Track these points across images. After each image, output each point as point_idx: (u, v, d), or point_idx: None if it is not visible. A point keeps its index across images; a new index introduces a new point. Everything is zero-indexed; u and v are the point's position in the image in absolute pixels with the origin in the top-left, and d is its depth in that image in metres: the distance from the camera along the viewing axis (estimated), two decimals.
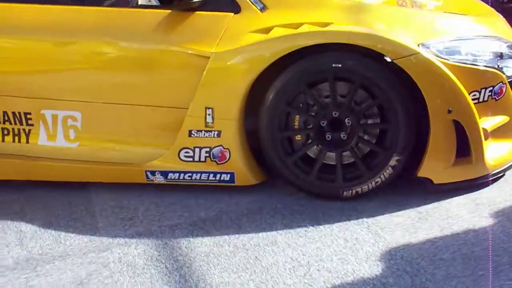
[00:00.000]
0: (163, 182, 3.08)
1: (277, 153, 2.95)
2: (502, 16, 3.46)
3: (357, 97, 2.87)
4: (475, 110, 2.81)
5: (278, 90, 2.87)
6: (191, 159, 3.00)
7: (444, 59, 2.81)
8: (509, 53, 3.01)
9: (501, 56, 2.97)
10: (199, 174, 3.03)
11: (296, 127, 2.95)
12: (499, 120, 2.97)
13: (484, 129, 2.87)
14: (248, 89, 2.87)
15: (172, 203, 3.04)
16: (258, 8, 2.95)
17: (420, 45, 2.80)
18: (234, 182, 3.03)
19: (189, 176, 3.04)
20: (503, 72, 2.92)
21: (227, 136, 2.95)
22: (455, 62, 2.83)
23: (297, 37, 2.81)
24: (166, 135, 3.04)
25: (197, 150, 2.99)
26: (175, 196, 3.09)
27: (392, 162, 2.87)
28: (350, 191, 2.92)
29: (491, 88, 2.89)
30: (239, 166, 2.99)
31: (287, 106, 2.90)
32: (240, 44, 2.87)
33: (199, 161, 3.00)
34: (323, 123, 2.91)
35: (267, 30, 2.87)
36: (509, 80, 2.96)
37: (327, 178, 2.97)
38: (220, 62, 2.88)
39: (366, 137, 2.93)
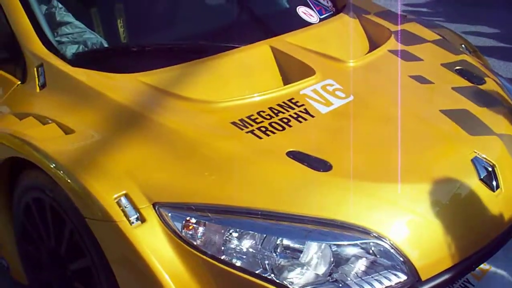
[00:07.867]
0: None
1: (24, 266, 2.36)
2: None
3: None
4: None
5: (18, 192, 2.23)
6: None
7: (190, 244, 1.75)
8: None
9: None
10: None
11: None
12: None
13: None
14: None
15: None
16: (40, 83, 2.27)
17: (156, 206, 1.79)
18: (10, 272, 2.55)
19: None
20: None
21: None
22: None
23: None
24: None
25: None
26: None
27: None
28: None
29: None
30: (13, 258, 2.48)
31: (24, 217, 2.25)
32: None
33: None
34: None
35: (21, 117, 2.21)
36: None
37: None
38: None
39: None
